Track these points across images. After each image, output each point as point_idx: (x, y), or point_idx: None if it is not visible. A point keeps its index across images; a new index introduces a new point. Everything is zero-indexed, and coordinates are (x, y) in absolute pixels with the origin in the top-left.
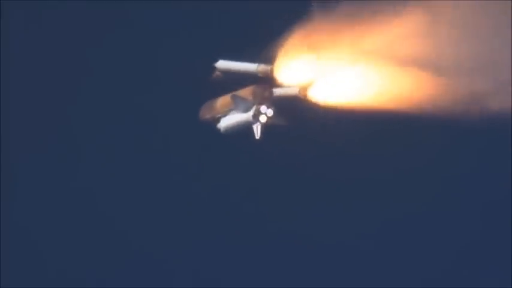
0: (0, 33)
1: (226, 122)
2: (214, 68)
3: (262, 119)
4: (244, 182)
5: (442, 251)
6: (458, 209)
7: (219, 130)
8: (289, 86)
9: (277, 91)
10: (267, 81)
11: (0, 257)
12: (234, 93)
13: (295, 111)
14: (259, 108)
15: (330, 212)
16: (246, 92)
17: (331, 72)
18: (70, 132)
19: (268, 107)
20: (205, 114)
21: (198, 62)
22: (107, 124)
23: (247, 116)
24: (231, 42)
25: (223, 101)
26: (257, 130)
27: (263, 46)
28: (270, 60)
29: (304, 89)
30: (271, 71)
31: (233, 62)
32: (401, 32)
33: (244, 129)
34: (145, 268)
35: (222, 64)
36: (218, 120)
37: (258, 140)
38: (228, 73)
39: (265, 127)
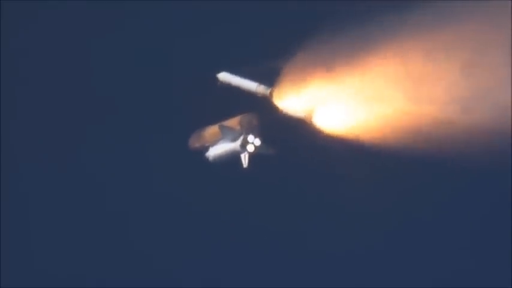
0: (0, 33)
1: (214, 151)
2: (217, 79)
3: (250, 148)
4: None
5: (442, 251)
6: (458, 209)
7: (207, 159)
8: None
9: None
10: (266, 102)
11: (0, 257)
12: (221, 123)
13: (287, 139)
14: (246, 138)
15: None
16: (233, 122)
17: (334, 99)
18: (70, 132)
19: (255, 137)
20: (194, 143)
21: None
22: (108, 125)
23: (235, 145)
24: (237, 51)
25: (211, 130)
26: (245, 159)
27: (268, 61)
28: (272, 80)
29: (310, 113)
30: (271, 94)
31: (234, 76)
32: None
33: (233, 158)
34: (146, 268)
35: (224, 76)
36: (207, 149)
37: (245, 168)
38: (229, 86)
39: (253, 156)
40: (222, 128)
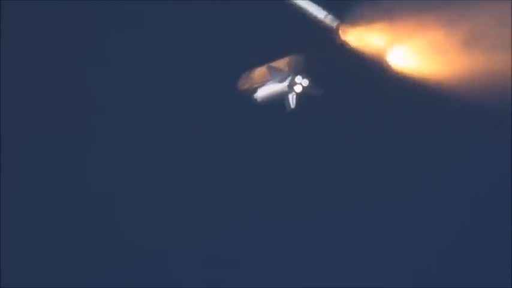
0: (0, 33)
1: (262, 93)
2: None
3: (298, 88)
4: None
5: (442, 251)
6: (458, 209)
7: (255, 100)
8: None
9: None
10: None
11: (0, 257)
12: (270, 64)
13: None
14: (294, 79)
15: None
16: (281, 63)
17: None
18: (71, 130)
19: (303, 77)
20: (243, 84)
21: None
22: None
23: (283, 86)
24: None
25: (260, 71)
26: (292, 100)
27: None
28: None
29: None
30: (337, 27)
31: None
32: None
33: (280, 99)
34: (145, 268)
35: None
36: (255, 90)
37: (292, 109)
38: (298, 9)
39: (301, 97)
40: (270, 69)
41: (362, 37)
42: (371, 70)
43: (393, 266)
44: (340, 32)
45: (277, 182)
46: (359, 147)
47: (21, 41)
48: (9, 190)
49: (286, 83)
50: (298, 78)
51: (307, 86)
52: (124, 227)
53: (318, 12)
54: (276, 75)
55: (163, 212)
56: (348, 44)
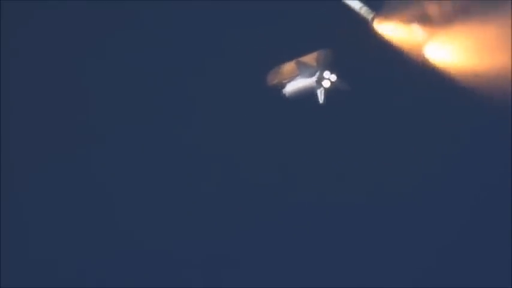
0: (0, 33)
1: (291, 88)
2: None
3: (326, 84)
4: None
5: (442, 251)
6: (458, 209)
7: (284, 95)
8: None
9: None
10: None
11: (0, 257)
12: (298, 59)
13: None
14: (322, 74)
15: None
16: (310, 58)
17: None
18: (72, 130)
19: (331, 72)
20: (272, 79)
21: None
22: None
23: (311, 81)
24: None
25: (288, 67)
26: (321, 95)
27: None
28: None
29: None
30: (372, 19)
31: None
32: None
33: (309, 94)
34: (145, 269)
35: None
36: (284, 85)
37: (321, 104)
38: None
39: (329, 92)
40: (298, 64)
41: (397, 30)
42: (404, 63)
43: (393, 266)
44: (375, 23)
45: (298, 175)
46: (383, 144)
47: (21, 41)
48: (9, 190)
49: (314, 78)
50: (326, 73)
51: (336, 81)
52: (124, 227)
53: (354, 3)
54: (305, 70)
55: (166, 211)
56: (382, 36)
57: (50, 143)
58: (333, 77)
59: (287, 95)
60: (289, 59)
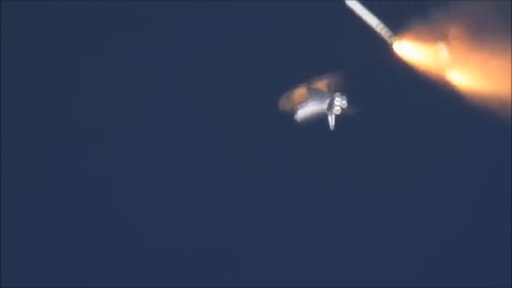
0: (0, 33)
1: (302, 113)
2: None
3: (337, 109)
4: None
5: (442, 251)
6: (458, 209)
7: (296, 121)
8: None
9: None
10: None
11: (0, 257)
12: (309, 84)
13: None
14: (333, 99)
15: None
16: (321, 84)
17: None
18: (71, 130)
19: (342, 98)
20: (284, 105)
21: None
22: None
23: (322, 106)
24: None
25: (300, 92)
26: (332, 120)
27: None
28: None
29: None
30: (391, 40)
31: (363, 7)
32: None
33: (320, 119)
34: (145, 269)
35: (351, 3)
36: (296, 110)
37: (332, 129)
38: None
39: (340, 118)
40: (309, 89)
41: (418, 51)
42: (424, 86)
43: (393, 266)
44: (394, 43)
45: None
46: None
47: (21, 41)
48: (9, 190)
49: (325, 104)
50: (337, 99)
51: (347, 106)
52: (124, 227)
53: (372, 21)
54: (316, 95)
55: (166, 212)
56: (400, 57)
57: (50, 143)
58: (344, 103)
59: (299, 120)
60: (300, 84)
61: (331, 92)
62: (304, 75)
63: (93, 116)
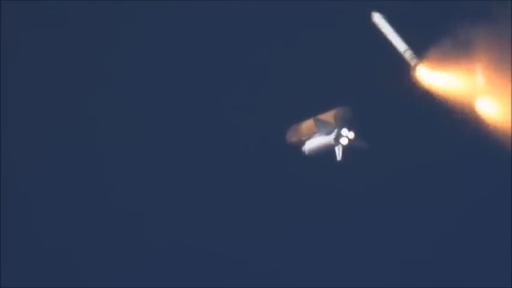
0: (0, 33)
1: (310, 145)
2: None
3: (344, 141)
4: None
5: (442, 251)
6: (459, 209)
7: (304, 153)
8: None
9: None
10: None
11: (0, 257)
12: (317, 117)
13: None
14: (340, 131)
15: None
16: (328, 116)
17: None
18: (71, 131)
19: (349, 130)
20: (291, 137)
21: None
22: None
23: (329, 138)
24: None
25: (307, 124)
26: (339, 152)
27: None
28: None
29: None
30: (415, 65)
31: (389, 26)
32: None
33: (327, 151)
34: (145, 269)
35: (378, 18)
36: (304, 142)
37: (339, 161)
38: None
39: (348, 149)
40: (317, 121)
41: (440, 80)
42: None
43: (393, 266)
44: (418, 70)
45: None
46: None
47: (21, 41)
48: (9, 190)
49: (332, 136)
50: (344, 131)
51: (354, 138)
52: (124, 227)
53: (399, 45)
54: (323, 127)
55: (166, 212)
56: (422, 84)
57: (50, 144)
58: (351, 135)
59: (306, 152)
60: (308, 116)
61: (339, 124)
62: (311, 107)
63: (92, 116)
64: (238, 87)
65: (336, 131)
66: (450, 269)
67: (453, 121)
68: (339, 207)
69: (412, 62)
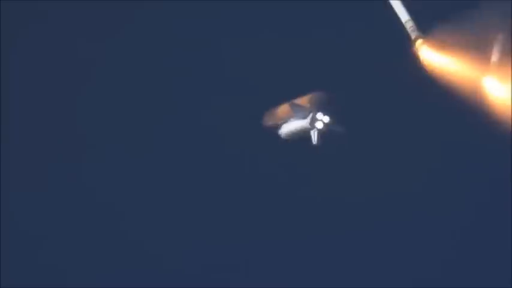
0: (0, 33)
1: (286, 129)
2: None
3: (319, 125)
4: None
5: (442, 251)
6: (459, 209)
7: (280, 136)
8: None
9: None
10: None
11: (0, 257)
12: (293, 101)
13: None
14: (315, 115)
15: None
16: (304, 100)
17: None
18: (71, 131)
19: (324, 114)
20: (268, 121)
21: None
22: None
23: (305, 122)
24: None
25: (283, 108)
26: (314, 136)
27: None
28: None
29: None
30: (415, 38)
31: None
32: None
33: (303, 135)
34: (145, 269)
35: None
36: (280, 126)
37: (315, 145)
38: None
39: (324, 133)
40: (293, 106)
41: (439, 56)
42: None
43: (393, 266)
44: (417, 44)
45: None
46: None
47: (21, 42)
48: (9, 190)
49: (308, 120)
50: (319, 115)
51: (329, 122)
52: (123, 227)
53: (401, 13)
54: (299, 111)
55: (165, 213)
56: (420, 59)
57: (50, 144)
58: (326, 119)
59: (282, 135)
60: (284, 100)
61: (314, 108)
62: (288, 91)
63: (92, 116)
64: (215, 71)
65: (311, 115)
66: (450, 269)
67: (445, 103)
68: (314, 191)
69: (413, 35)
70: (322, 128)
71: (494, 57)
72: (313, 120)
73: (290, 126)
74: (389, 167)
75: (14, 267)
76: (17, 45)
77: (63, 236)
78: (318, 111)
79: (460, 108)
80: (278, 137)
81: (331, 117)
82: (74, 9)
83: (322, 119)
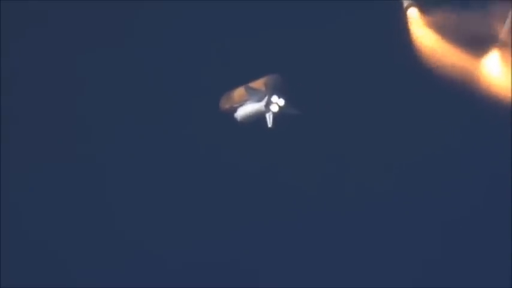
0: (0, 33)
1: (242, 112)
2: None
3: (274, 108)
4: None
5: (443, 251)
6: (459, 209)
7: (236, 119)
8: None
9: None
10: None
11: (0, 257)
12: (248, 84)
13: None
14: (270, 98)
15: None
16: (258, 83)
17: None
18: (71, 131)
19: (279, 97)
20: (224, 104)
21: None
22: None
23: (260, 105)
24: None
25: (239, 92)
26: (269, 119)
27: None
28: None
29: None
30: (407, 7)
31: None
32: None
33: (259, 118)
34: (144, 269)
35: None
36: (236, 109)
37: (270, 128)
38: None
39: (279, 116)
40: (248, 89)
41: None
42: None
43: (393, 266)
44: (409, 13)
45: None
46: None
47: (21, 42)
48: (9, 190)
49: (263, 103)
50: (274, 98)
51: (284, 105)
52: (123, 228)
53: None
54: (254, 95)
55: (165, 213)
56: (411, 31)
57: (50, 144)
58: (281, 101)
59: (238, 119)
60: (239, 84)
61: (269, 91)
62: (242, 75)
63: (92, 117)
64: (172, 55)
65: (266, 98)
66: (450, 269)
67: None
68: (269, 174)
69: (406, 3)
70: (278, 111)
71: (507, 25)
72: (269, 103)
73: (246, 110)
74: (348, 150)
75: (14, 267)
76: (17, 45)
77: (63, 236)
78: (273, 94)
79: (452, 87)
80: (234, 120)
81: (286, 100)
82: (74, 9)
83: (277, 102)
